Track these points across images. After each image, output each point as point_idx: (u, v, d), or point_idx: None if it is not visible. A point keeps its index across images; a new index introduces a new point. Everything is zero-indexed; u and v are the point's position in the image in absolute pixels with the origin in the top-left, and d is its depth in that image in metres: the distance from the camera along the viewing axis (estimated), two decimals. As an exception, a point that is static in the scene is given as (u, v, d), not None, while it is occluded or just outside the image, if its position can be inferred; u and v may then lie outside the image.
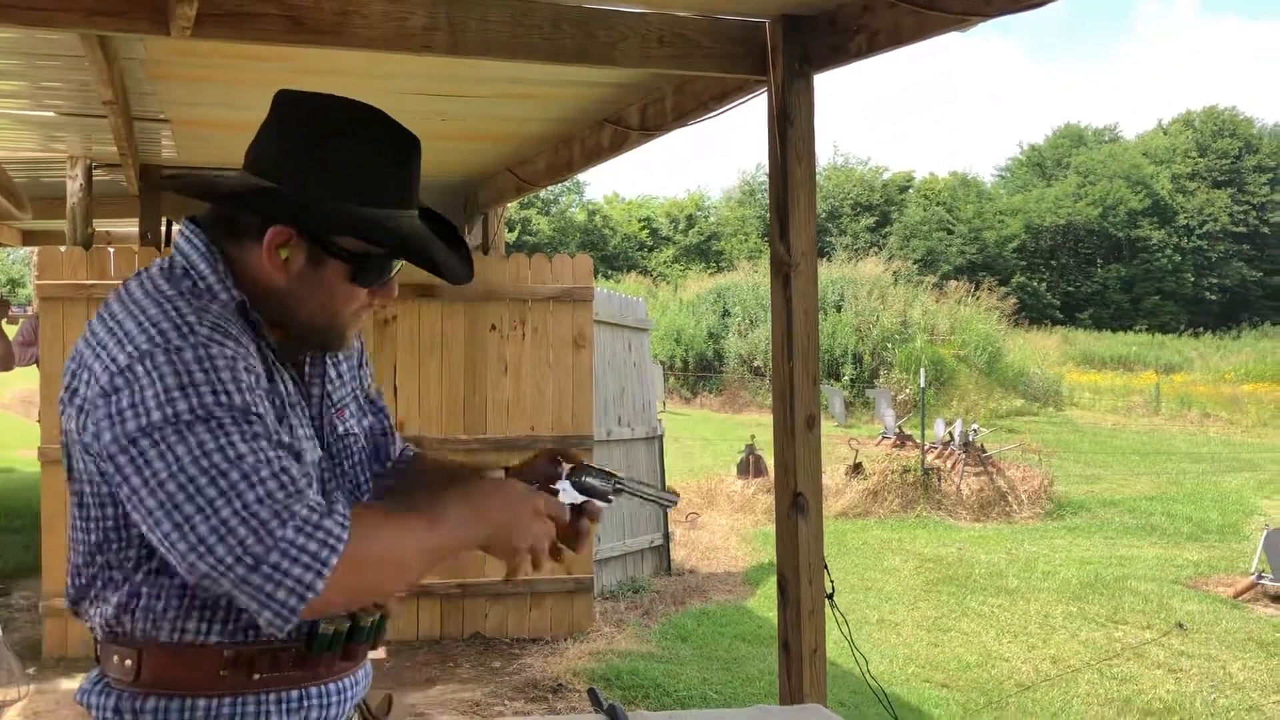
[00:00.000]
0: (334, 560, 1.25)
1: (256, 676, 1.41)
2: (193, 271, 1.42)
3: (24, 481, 10.60)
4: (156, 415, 1.27)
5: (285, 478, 1.27)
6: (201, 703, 1.40)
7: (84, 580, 1.44)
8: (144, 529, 1.30)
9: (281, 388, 1.46)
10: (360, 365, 1.69)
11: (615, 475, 1.67)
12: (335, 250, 1.43)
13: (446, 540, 1.40)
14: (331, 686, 1.49)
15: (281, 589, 1.23)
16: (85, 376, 1.35)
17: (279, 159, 1.43)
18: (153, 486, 1.26)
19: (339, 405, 1.59)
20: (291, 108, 1.46)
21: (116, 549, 1.40)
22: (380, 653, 1.62)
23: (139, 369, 1.29)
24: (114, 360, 1.31)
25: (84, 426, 1.34)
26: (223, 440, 1.26)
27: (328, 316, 1.47)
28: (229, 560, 1.23)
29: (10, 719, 4.43)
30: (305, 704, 1.46)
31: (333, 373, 1.60)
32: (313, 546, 1.24)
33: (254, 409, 1.31)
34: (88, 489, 1.40)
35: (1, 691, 3.94)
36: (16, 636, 5.78)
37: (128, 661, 1.41)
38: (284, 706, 1.44)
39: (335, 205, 1.41)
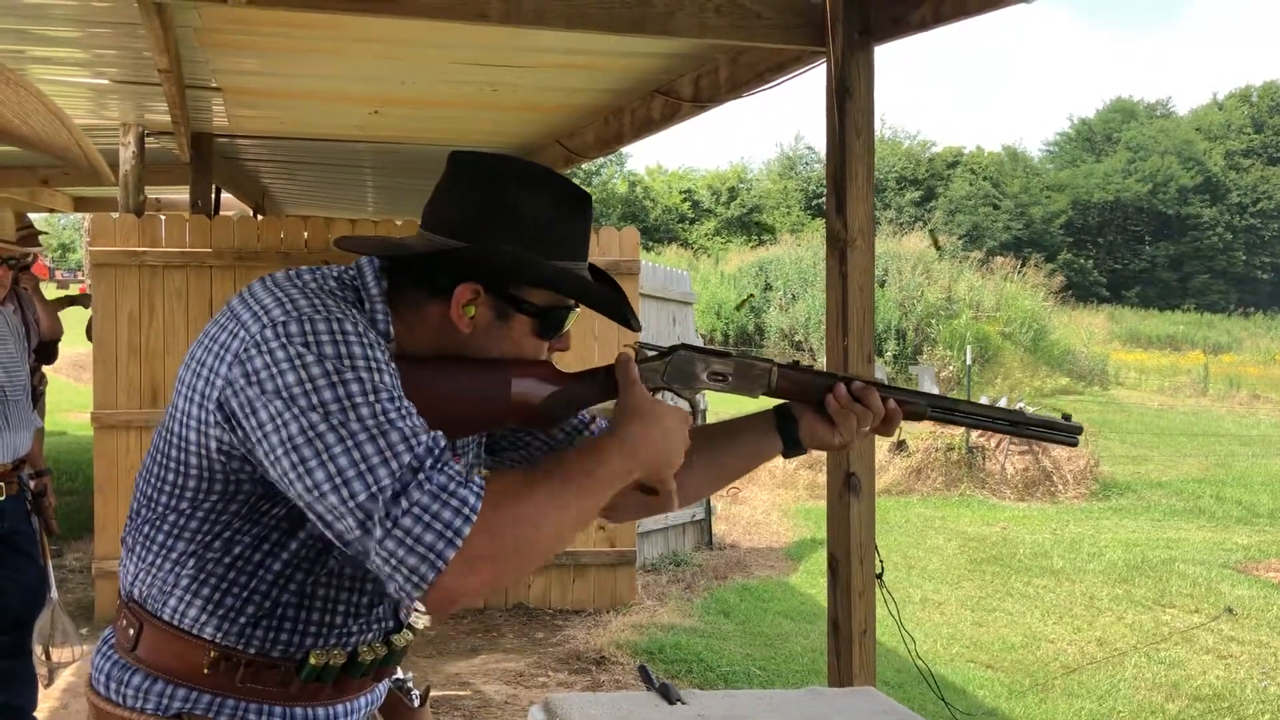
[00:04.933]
0: (467, 529, 1.21)
1: (239, 683, 1.42)
2: (365, 297, 1.41)
3: (77, 444, 10.77)
4: (300, 375, 1.26)
5: (417, 441, 1.25)
6: (181, 692, 1.41)
7: (131, 527, 1.46)
8: (279, 484, 1.30)
9: None
10: None
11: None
12: (524, 306, 1.44)
13: (602, 493, 1.36)
14: (320, 712, 1.49)
15: (413, 555, 1.21)
16: (233, 328, 1.33)
17: (467, 217, 1.43)
18: (288, 448, 1.25)
19: (458, 451, 1.56)
20: (471, 168, 1.46)
21: (162, 511, 1.41)
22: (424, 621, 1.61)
23: (293, 328, 1.28)
24: (268, 313, 1.31)
25: (214, 373, 1.32)
26: (363, 407, 1.26)
27: None
28: (359, 523, 1.22)
29: (65, 679, 4.51)
30: None
31: None
32: (446, 514, 1.22)
33: (398, 395, 1.30)
34: (171, 442, 1.38)
35: (56, 652, 3.99)
36: (70, 598, 5.88)
37: (130, 630, 1.44)
38: (262, 718, 1.44)
39: (529, 259, 1.41)
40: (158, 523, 1.41)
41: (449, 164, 1.48)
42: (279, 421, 1.25)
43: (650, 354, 1.58)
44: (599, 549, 6.33)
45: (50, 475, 4.25)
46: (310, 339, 1.27)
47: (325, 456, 1.23)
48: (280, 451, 1.25)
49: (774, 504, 10.68)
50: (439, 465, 1.24)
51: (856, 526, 3.41)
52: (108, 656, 1.47)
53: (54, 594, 4.05)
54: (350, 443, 1.23)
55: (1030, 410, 1.64)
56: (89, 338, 6.26)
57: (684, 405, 1.57)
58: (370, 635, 1.51)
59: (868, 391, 1.61)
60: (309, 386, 1.25)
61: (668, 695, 2.24)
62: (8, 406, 3.76)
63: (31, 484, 4.01)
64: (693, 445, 1.55)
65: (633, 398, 1.46)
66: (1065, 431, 1.64)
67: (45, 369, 6.37)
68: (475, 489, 1.24)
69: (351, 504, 1.22)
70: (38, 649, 3.88)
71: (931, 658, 5.51)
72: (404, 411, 1.27)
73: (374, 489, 1.21)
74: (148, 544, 1.42)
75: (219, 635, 1.40)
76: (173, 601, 1.40)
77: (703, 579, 7.50)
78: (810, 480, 11.23)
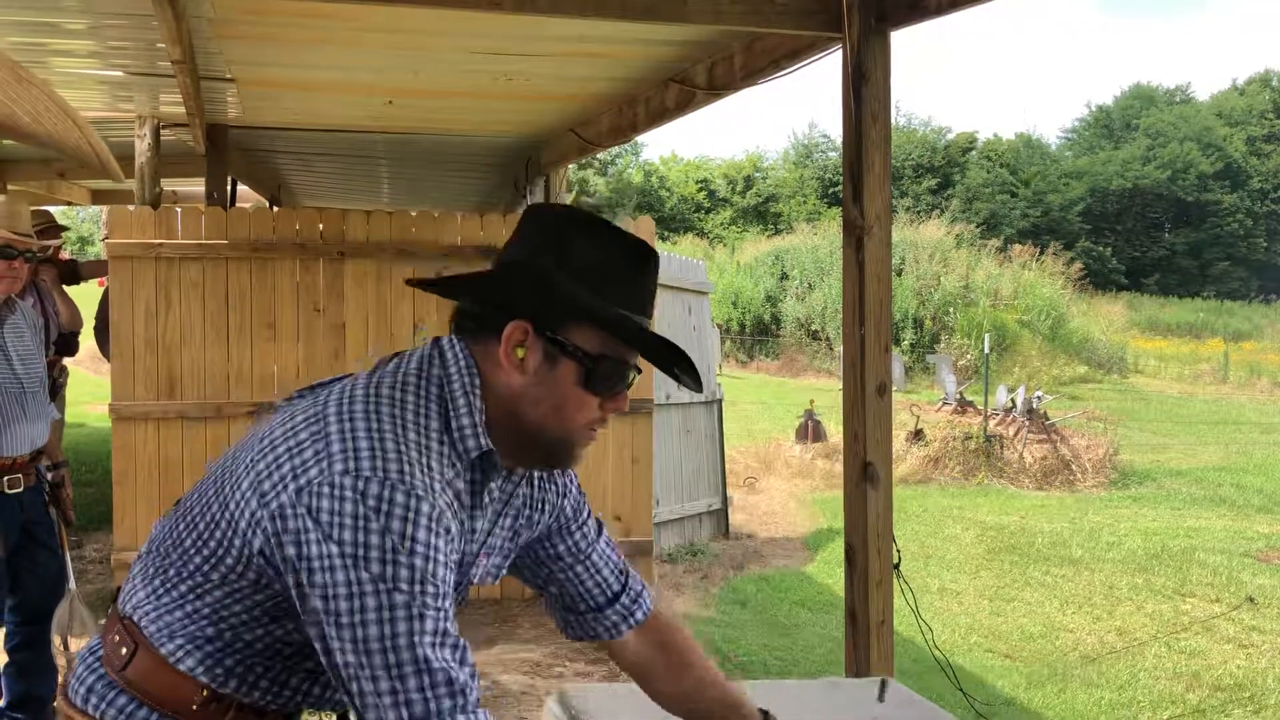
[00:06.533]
0: None
1: (229, 718, 1.43)
2: (451, 409, 1.39)
3: (96, 435, 10.83)
4: (357, 537, 1.26)
5: (457, 682, 1.26)
6: None
7: (155, 557, 1.45)
8: (310, 635, 1.30)
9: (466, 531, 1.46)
10: (564, 508, 1.68)
11: None
12: (570, 350, 1.39)
13: None
14: None
15: None
16: (320, 449, 1.32)
17: (523, 255, 1.42)
18: (331, 619, 1.25)
19: (486, 549, 1.55)
20: (538, 215, 1.47)
21: (192, 570, 1.39)
22: None
23: (374, 488, 1.27)
24: (357, 459, 1.29)
25: (283, 481, 1.31)
26: (407, 622, 1.25)
27: (560, 422, 1.43)
28: (375, 689, 1.23)
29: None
30: None
31: (518, 502, 1.57)
32: None
33: (445, 593, 1.30)
34: (221, 514, 1.37)
35: (75, 643, 4.00)
36: (89, 588, 5.91)
37: (124, 650, 1.42)
38: None
39: (570, 287, 1.38)
40: (184, 575, 1.40)
41: (522, 215, 1.49)
42: (321, 564, 1.25)
43: None
44: (615, 539, 6.32)
45: (68, 467, 4.26)
46: (384, 505, 1.26)
47: (358, 619, 1.24)
48: (316, 607, 1.26)
49: (791, 494, 10.65)
50: (464, 687, 1.26)
51: (874, 516, 3.39)
52: (93, 669, 1.45)
53: (73, 584, 4.07)
54: (387, 637, 1.24)
55: None
56: (98, 340, 6.29)
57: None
58: None
59: None
60: (361, 552, 1.24)
61: (684, 686, 2.22)
62: (25, 398, 3.77)
63: (49, 475, 4.03)
64: (683, 688, 1.73)
65: None
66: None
67: (65, 361, 6.42)
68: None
69: (370, 686, 1.24)
70: (56, 639, 3.90)
71: (950, 647, 5.49)
72: (441, 608, 1.27)
73: (397, 682, 1.23)
74: (167, 586, 1.41)
75: (214, 683, 1.40)
76: (172, 646, 1.40)
77: (720, 569, 7.49)
78: (827, 470, 11.20)
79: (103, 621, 1.54)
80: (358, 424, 1.33)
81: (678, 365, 1.45)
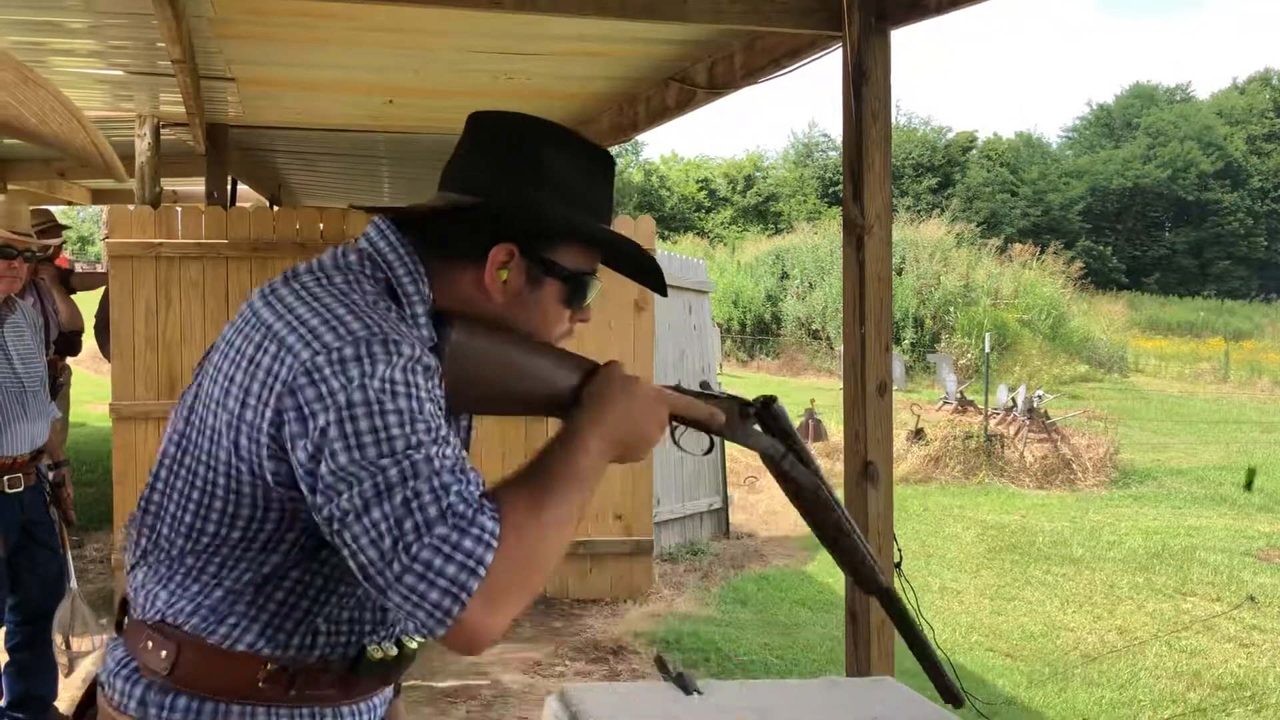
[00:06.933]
0: (489, 557, 1.17)
1: (293, 692, 1.39)
2: (394, 283, 1.36)
3: (96, 435, 10.83)
4: (343, 398, 1.20)
5: (442, 472, 1.20)
6: (235, 709, 1.37)
7: (163, 556, 1.39)
8: (316, 518, 1.24)
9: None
10: None
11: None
12: (555, 269, 1.39)
13: (590, 485, 1.33)
14: (362, 705, 1.48)
15: (434, 589, 1.16)
16: (276, 351, 1.27)
17: (491, 173, 1.39)
18: (346, 495, 1.19)
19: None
20: (494, 126, 1.43)
21: (208, 542, 1.34)
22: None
23: (348, 351, 1.23)
24: (318, 338, 1.24)
25: (261, 402, 1.26)
26: (399, 440, 1.20)
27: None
28: (380, 554, 1.17)
29: (85, 669, 4.54)
30: None
31: None
32: (467, 544, 1.17)
33: (438, 426, 1.25)
34: (215, 468, 1.32)
35: (76, 642, 4.02)
36: (90, 588, 5.91)
37: (164, 653, 1.36)
38: None
39: (566, 211, 1.38)
40: (205, 554, 1.35)
41: (469, 124, 1.44)
42: (330, 445, 1.20)
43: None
44: (616, 538, 6.32)
45: (68, 466, 4.27)
46: (364, 361, 1.22)
47: (355, 487, 1.18)
48: (320, 483, 1.20)
49: (791, 493, 10.65)
50: (462, 496, 1.19)
51: (874, 515, 3.39)
52: (135, 681, 1.39)
53: (74, 584, 4.07)
54: (379, 477, 1.18)
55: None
56: (99, 340, 6.29)
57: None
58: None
59: None
60: (346, 413, 1.20)
61: (684, 685, 2.22)
62: (25, 397, 3.78)
63: (50, 475, 4.04)
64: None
65: (610, 377, 1.43)
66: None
67: (68, 360, 6.42)
68: (491, 514, 1.20)
69: (374, 533, 1.17)
70: (58, 639, 3.91)
71: (950, 647, 5.49)
72: (438, 439, 1.22)
73: (392, 520, 1.17)
74: (192, 574, 1.36)
75: (277, 652, 1.37)
76: (224, 629, 1.35)
77: (720, 568, 7.49)
78: (827, 469, 11.15)
79: (103, 621, 1.51)
80: (300, 312, 1.28)
81: (654, 270, 1.48)
